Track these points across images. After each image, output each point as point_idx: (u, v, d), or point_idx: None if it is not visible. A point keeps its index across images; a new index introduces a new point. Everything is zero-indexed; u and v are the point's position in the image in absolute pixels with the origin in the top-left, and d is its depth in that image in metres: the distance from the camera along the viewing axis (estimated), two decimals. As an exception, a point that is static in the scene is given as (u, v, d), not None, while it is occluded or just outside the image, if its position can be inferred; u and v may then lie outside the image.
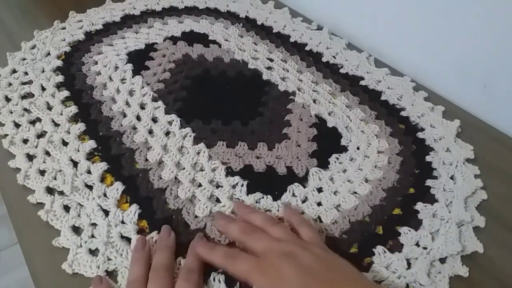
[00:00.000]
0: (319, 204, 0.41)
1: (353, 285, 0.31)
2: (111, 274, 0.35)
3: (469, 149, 0.47)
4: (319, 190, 0.42)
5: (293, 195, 0.42)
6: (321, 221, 0.40)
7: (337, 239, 0.38)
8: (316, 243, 0.35)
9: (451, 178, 0.44)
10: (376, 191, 0.42)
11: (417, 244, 0.38)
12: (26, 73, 0.55)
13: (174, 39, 0.62)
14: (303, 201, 0.41)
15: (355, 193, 0.42)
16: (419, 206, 0.41)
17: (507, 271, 0.37)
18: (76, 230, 0.38)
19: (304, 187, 0.42)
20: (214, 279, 0.34)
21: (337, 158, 0.45)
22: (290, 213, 0.39)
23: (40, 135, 0.46)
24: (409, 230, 0.39)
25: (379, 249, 0.37)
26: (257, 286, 0.32)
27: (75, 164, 0.43)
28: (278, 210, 0.40)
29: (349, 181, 0.43)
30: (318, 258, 0.32)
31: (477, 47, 0.52)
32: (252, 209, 0.40)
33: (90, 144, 0.45)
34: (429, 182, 0.43)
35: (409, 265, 0.36)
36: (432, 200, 0.42)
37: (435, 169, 0.45)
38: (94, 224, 0.38)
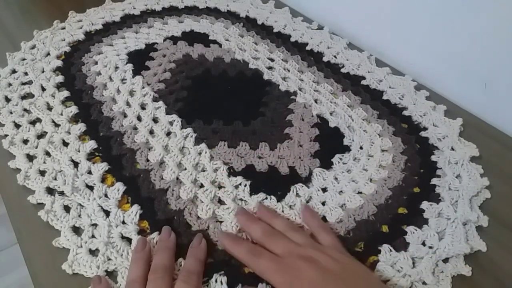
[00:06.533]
0: (323, 203, 0.41)
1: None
2: (111, 275, 0.35)
3: (474, 148, 0.47)
4: (324, 190, 0.42)
5: (297, 195, 0.41)
6: (326, 220, 0.39)
7: (342, 238, 0.38)
8: (334, 247, 0.35)
9: (457, 177, 0.44)
10: (381, 190, 0.42)
11: (423, 243, 0.37)
12: (26, 73, 0.54)
13: (174, 39, 0.62)
14: (307, 201, 0.41)
15: (360, 192, 0.42)
16: (424, 205, 0.40)
17: (507, 271, 0.37)
18: (76, 230, 0.37)
19: (308, 187, 0.42)
20: (216, 280, 0.34)
21: (340, 159, 0.45)
22: (309, 217, 0.39)
23: (40, 136, 0.46)
24: (416, 229, 0.38)
25: (385, 247, 0.37)
26: (276, 285, 0.33)
27: (75, 164, 0.43)
28: (296, 214, 0.40)
29: (353, 181, 0.43)
30: (336, 260, 0.33)
31: (477, 46, 0.51)
32: (274, 213, 0.39)
33: (91, 144, 0.44)
34: (434, 181, 0.43)
35: (413, 264, 0.36)
36: (437, 199, 0.41)
37: (440, 168, 0.45)
38: (94, 225, 0.38)
